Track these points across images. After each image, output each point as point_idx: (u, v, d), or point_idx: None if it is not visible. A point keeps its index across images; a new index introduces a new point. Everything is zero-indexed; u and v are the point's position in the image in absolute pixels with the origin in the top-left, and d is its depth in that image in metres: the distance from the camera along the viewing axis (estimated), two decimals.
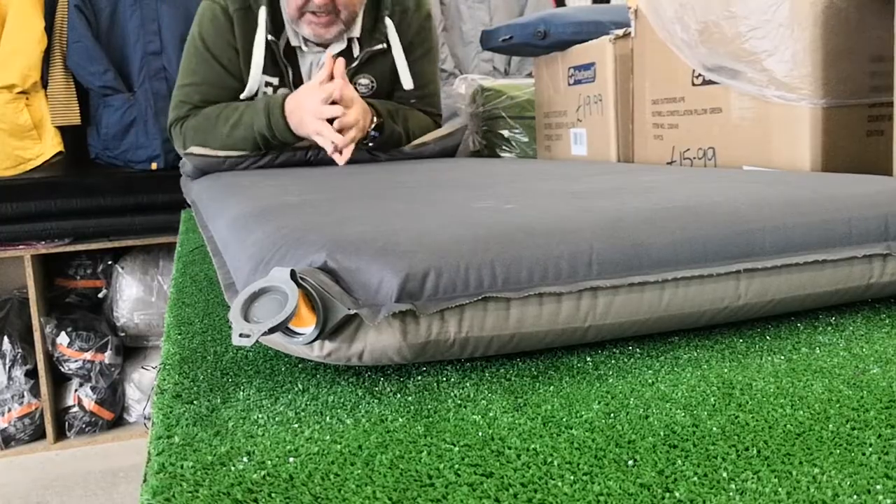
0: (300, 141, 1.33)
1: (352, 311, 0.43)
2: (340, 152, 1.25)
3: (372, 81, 1.44)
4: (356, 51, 1.41)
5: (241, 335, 0.42)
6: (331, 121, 1.24)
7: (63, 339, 2.42)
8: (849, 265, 0.54)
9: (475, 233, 0.48)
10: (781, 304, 0.53)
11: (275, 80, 1.38)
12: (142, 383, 2.55)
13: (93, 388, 2.46)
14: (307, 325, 0.43)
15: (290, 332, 0.44)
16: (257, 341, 0.42)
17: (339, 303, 0.43)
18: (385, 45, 1.42)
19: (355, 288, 0.44)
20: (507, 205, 0.60)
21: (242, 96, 1.38)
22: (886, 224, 0.55)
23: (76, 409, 2.45)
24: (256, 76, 1.35)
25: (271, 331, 0.42)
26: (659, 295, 0.49)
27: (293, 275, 0.43)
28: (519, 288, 0.46)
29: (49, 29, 2.31)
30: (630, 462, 0.35)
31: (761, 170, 0.98)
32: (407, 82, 1.41)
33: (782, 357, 0.48)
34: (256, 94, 1.38)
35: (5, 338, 2.40)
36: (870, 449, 0.36)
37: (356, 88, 1.36)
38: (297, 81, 1.42)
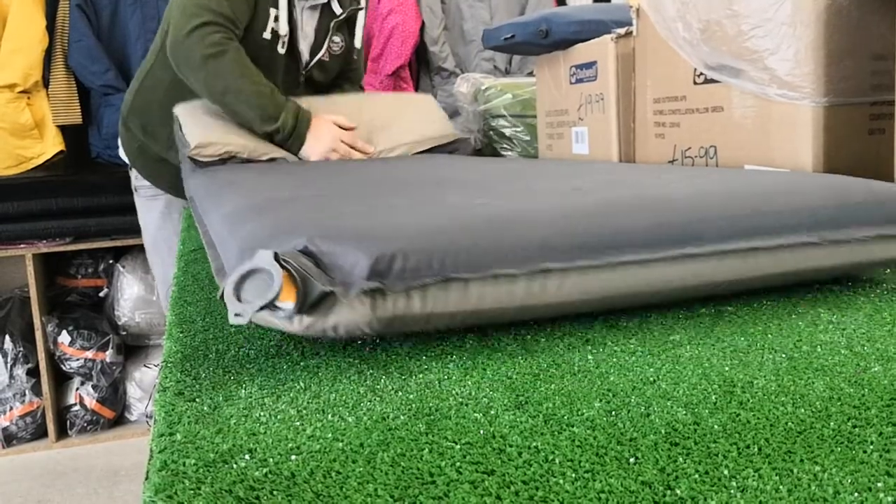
0: (293, 143, 1.41)
1: (328, 289, 0.47)
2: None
3: (342, 40, 1.60)
4: (336, 8, 1.52)
5: (235, 314, 0.47)
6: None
7: (64, 337, 2.42)
8: (779, 253, 0.58)
9: (440, 222, 0.54)
10: (720, 287, 0.58)
11: (276, 23, 1.46)
12: (143, 382, 2.55)
13: (94, 387, 2.46)
14: (288, 300, 0.47)
15: (274, 307, 0.47)
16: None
17: (316, 281, 0.47)
18: (363, 6, 1.56)
19: (331, 268, 0.49)
20: (477, 199, 0.65)
21: (266, 35, 1.45)
22: (816, 216, 0.60)
23: (78, 407, 2.46)
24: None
25: (261, 309, 0.46)
26: (607, 277, 0.54)
27: (276, 257, 0.47)
28: (477, 269, 0.50)
29: (50, 28, 2.31)
30: (631, 459, 0.35)
31: (713, 168, 0.98)
32: (359, 41, 1.61)
33: (783, 355, 0.48)
34: (264, 30, 1.45)
35: (7, 336, 2.41)
36: (871, 447, 0.36)
37: (331, 46, 1.58)
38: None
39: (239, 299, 0.47)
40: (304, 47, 1.57)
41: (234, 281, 0.48)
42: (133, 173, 1.76)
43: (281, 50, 1.52)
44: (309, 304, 0.47)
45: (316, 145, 1.38)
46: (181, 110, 1.41)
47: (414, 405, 0.42)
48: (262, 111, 1.36)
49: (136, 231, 2.45)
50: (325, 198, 0.71)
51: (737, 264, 0.57)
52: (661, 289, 0.56)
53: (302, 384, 0.46)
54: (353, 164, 1.24)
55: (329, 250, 0.50)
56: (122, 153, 1.75)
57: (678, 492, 0.32)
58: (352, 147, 1.41)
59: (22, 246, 2.37)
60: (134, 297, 2.50)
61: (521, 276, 0.51)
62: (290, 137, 1.37)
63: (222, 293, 0.48)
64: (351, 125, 1.44)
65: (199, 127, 1.34)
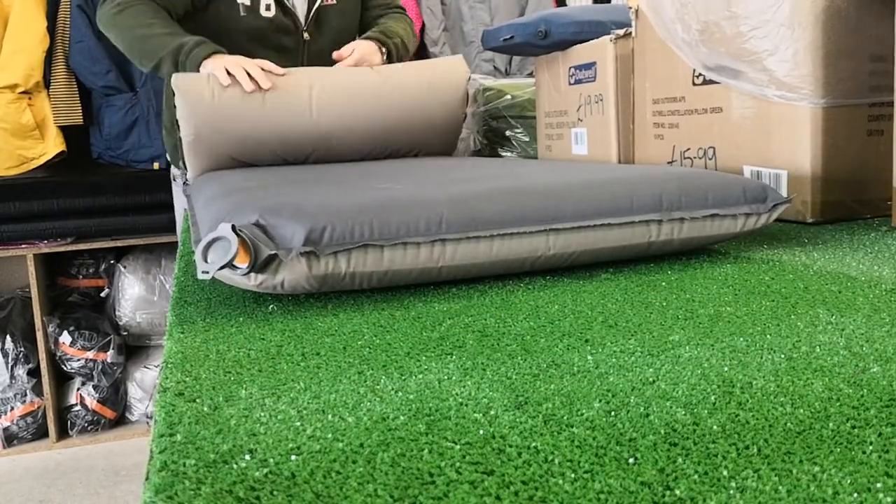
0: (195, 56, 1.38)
1: (273, 252, 0.61)
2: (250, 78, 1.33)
3: None
4: None
5: (203, 272, 0.60)
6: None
7: (65, 337, 2.42)
8: (631, 227, 0.72)
9: (362, 202, 0.67)
10: (582, 256, 0.72)
11: None
12: (144, 382, 2.55)
13: (95, 387, 2.46)
14: (243, 262, 0.60)
15: (233, 268, 0.60)
16: (213, 276, 0.61)
17: (264, 246, 0.61)
18: None
19: (276, 237, 0.62)
20: (398, 185, 0.81)
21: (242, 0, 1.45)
22: (660, 199, 0.73)
23: (78, 407, 2.46)
24: None
25: (222, 268, 0.60)
26: (489, 245, 0.68)
27: (234, 228, 0.60)
28: (389, 238, 0.64)
29: (51, 29, 2.32)
30: (631, 460, 0.35)
31: (597, 164, 1.06)
32: None
33: (782, 356, 0.49)
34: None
35: (8, 337, 2.41)
36: (870, 447, 0.36)
37: (325, 1, 1.55)
38: None
39: (206, 260, 0.61)
40: (300, 2, 1.53)
41: (201, 247, 0.61)
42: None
43: (266, 13, 1.49)
44: (260, 264, 0.61)
45: (217, 61, 1.35)
46: (185, 142, 1.39)
47: (414, 405, 0.43)
48: (170, 37, 1.38)
49: (137, 231, 2.46)
50: (280, 185, 0.88)
51: (591, 237, 0.71)
52: (529, 256, 0.70)
53: (302, 384, 0.46)
54: (316, 166, 1.30)
55: (275, 223, 0.63)
56: (173, 168, 1.74)
57: (677, 492, 0.32)
58: (262, 69, 1.32)
59: (23, 246, 2.37)
60: (135, 297, 2.50)
61: (423, 245, 0.65)
62: (193, 49, 1.36)
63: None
64: (280, 71, 1.34)
65: (197, 162, 1.36)
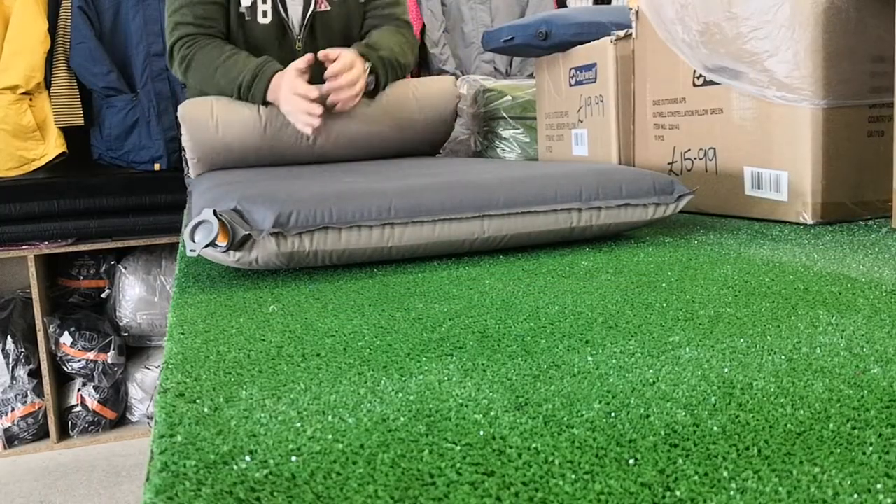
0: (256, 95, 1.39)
1: (247, 232, 0.72)
2: (312, 126, 1.32)
3: None
4: None
5: (190, 250, 0.71)
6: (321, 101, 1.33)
7: (66, 338, 2.42)
8: (555, 214, 0.84)
9: (324, 192, 0.78)
10: (514, 239, 0.84)
11: None
12: (144, 383, 2.55)
13: (96, 388, 2.46)
14: (224, 241, 0.71)
15: (215, 246, 0.71)
16: (200, 254, 0.72)
17: (240, 228, 0.72)
18: None
19: (250, 220, 0.74)
20: (361, 178, 0.93)
21: (242, 7, 1.46)
22: (580, 190, 0.85)
23: (79, 408, 2.46)
24: None
25: (206, 246, 0.70)
26: (432, 229, 0.79)
27: (215, 212, 0.71)
28: (346, 222, 0.75)
29: (52, 30, 2.32)
30: (631, 461, 0.35)
31: (531, 162, 1.13)
32: None
33: (783, 357, 0.49)
34: (252, 5, 1.46)
35: (9, 338, 2.41)
36: (870, 448, 0.36)
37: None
38: None
39: (193, 241, 0.71)
40: (294, 8, 1.51)
41: (189, 228, 0.72)
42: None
43: (263, 20, 1.48)
44: (237, 243, 0.71)
45: (281, 105, 1.36)
46: (191, 163, 1.41)
47: (414, 406, 0.43)
48: (228, 80, 1.38)
49: (137, 232, 2.46)
50: (261, 180, 0.97)
51: (520, 222, 0.83)
52: (467, 238, 0.81)
53: (302, 385, 0.46)
54: (301, 166, 1.34)
55: (250, 208, 0.74)
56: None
57: (677, 493, 0.32)
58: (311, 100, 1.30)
59: (24, 247, 2.37)
60: (135, 298, 2.50)
61: (374, 227, 0.76)
62: (251, 90, 1.36)
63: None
64: (313, 94, 1.32)
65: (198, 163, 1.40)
